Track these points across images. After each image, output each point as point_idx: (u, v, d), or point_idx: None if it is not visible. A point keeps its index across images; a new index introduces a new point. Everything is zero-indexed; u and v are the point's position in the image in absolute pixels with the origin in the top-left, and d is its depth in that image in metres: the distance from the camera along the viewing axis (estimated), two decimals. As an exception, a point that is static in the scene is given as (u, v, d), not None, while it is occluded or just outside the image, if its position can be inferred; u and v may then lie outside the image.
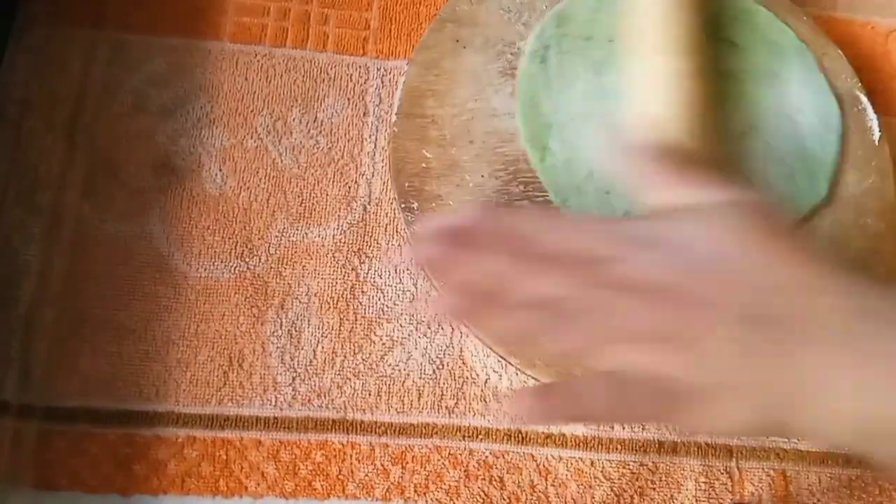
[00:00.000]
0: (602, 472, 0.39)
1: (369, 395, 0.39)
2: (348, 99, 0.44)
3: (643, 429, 0.40)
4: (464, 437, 0.39)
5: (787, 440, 0.40)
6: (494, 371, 0.40)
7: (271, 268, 0.40)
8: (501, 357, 0.37)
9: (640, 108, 0.39)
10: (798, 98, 0.43)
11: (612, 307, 0.29)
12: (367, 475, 0.38)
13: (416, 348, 0.40)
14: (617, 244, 0.30)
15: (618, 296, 0.29)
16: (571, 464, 0.39)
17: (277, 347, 0.39)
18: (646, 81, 0.39)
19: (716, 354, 0.28)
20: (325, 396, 0.39)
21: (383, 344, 0.40)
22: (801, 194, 0.41)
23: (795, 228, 0.31)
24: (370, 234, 0.41)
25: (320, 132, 0.43)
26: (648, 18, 0.39)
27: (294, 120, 0.43)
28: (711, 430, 0.38)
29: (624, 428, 0.39)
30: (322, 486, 0.37)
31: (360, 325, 0.40)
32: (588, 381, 0.30)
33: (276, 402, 0.38)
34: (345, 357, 0.39)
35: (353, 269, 0.41)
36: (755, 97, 0.42)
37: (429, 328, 0.40)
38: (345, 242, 0.41)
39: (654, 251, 0.30)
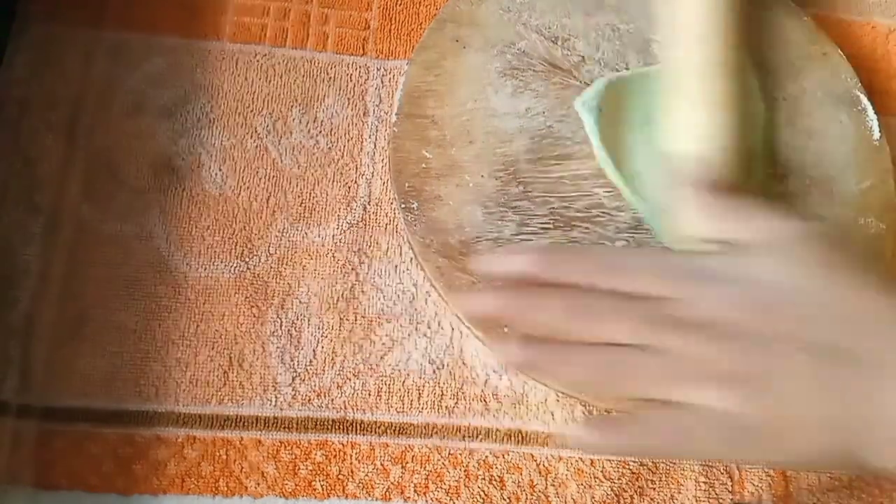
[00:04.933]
0: (602, 471, 0.39)
1: (369, 395, 0.39)
2: (348, 99, 0.44)
3: (643, 429, 0.40)
4: (464, 437, 0.39)
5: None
6: (494, 371, 0.40)
7: (271, 268, 0.40)
8: (501, 357, 0.37)
9: (681, 139, 0.38)
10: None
11: (681, 348, 0.29)
12: (367, 475, 0.38)
13: (416, 348, 0.40)
14: (681, 282, 0.30)
15: (685, 336, 0.29)
16: (571, 463, 0.39)
17: (277, 347, 0.39)
18: (687, 108, 0.39)
19: (789, 391, 0.28)
20: (325, 396, 0.39)
21: (383, 344, 0.40)
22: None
23: (865, 257, 0.31)
24: (370, 235, 0.41)
25: (320, 132, 0.43)
26: (691, 35, 0.39)
27: (294, 120, 0.43)
28: (781, 464, 0.37)
29: (624, 428, 0.39)
30: (322, 485, 0.37)
31: (360, 325, 0.40)
32: (655, 417, 0.30)
33: (276, 401, 0.38)
34: (345, 357, 0.39)
35: (353, 269, 0.41)
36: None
37: (429, 328, 0.40)
38: (345, 242, 0.41)
39: (721, 287, 0.29)
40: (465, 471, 0.38)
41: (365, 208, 0.42)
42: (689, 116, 0.39)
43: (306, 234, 0.41)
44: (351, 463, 0.38)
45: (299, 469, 0.37)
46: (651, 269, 0.31)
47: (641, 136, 0.40)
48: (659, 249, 0.37)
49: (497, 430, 0.39)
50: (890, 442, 0.27)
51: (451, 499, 0.38)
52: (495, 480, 0.38)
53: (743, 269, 0.30)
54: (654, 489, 0.39)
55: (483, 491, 0.38)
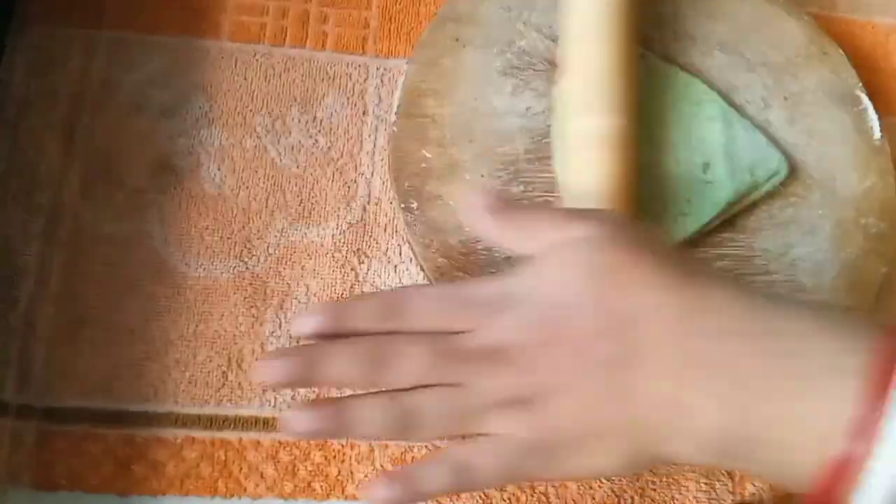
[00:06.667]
0: (602, 472, 0.39)
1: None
2: (348, 98, 0.44)
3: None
4: (464, 437, 0.38)
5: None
6: (494, 371, 0.39)
7: (270, 268, 0.40)
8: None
9: (568, 175, 0.39)
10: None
11: (473, 379, 0.29)
12: (366, 476, 0.38)
13: (415, 348, 0.40)
14: (470, 312, 0.30)
15: (474, 367, 0.29)
16: (571, 464, 0.38)
17: (276, 348, 0.39)
18: (572, 144, 0.38)
19: (575, 405, 0.28)
20: (324, 396, 0.38)
21: (383, 344, 0.39)
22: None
23: (651, 247, 0.30)
24: (370, 234, 0.41)
25: (319, 132, 0.43)
26: (583, 70, 0.39)
27: (293, 119, 0.43)
28: (588, 476, 0.37)
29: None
30: (321, 486, 0.37)
31: (360, 325, 0.40)
32: (439, 458, 0.30)
33: (275, 402, 0.38)
34: (344, 357, 0.39)
35: (352, 269, 0.41)
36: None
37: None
38: (344, 242, 0.41)
39: (508, 311, 0.30)
40: (464, 471, 0.38)
41: (364, 208, 0.42)
42: (578, 89, 0.39)
43: (305, 233, 0.41)
44: (350, 464, 0.38)
45: (298, 470, 0.37)
46: (436, 304, 0.31)
47: None
48: (455, 281, 0.37)
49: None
50: (680, 435, 0.28)
51: (450, 499, 0.38)
52: (495, 481, 0.38)
53: (523, 288, 0.30)
54: (655, 490, 0.39)
55: (483, 491, 0.38)
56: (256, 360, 0.37)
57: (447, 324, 0.30)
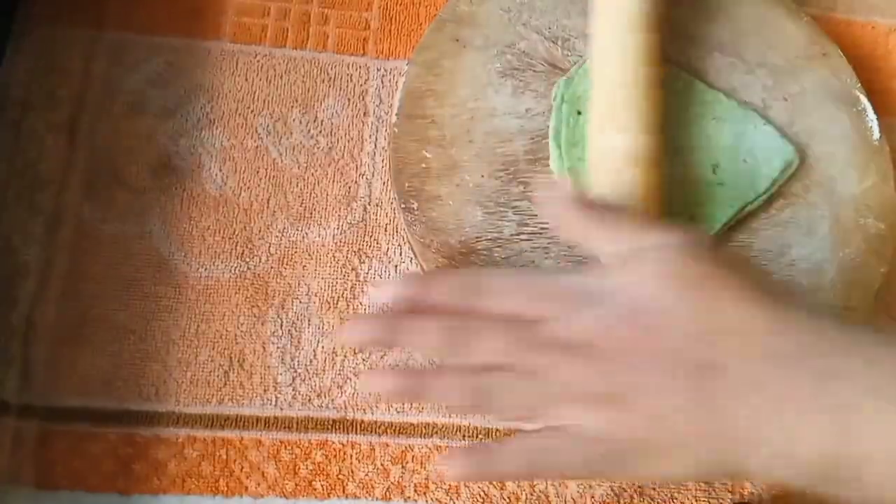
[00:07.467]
0: (602, 471, 0.39)
1: (369, 394, 0.39)
2: (348, 99, 0.44)
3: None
4: (464, 436, 0.39)
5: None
6: (494, 371, 0.40)
7: (272, 268, 0.40)
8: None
9: (598, 189, 0.38)
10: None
11: (552, 370, 0.29)
12: (367, 475, 0.38)
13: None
14: (552, 302, 0.30)
15: (555, 357, 0.29)
16: (571, 464, 0.39)
17: (278, 347, 0.39)
18: (603, 161, 0.38)
19: (658, 410, 0.28)
20: (325, 396, 0.39)
21: (383, 344, 0.40)
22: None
23: (734, 263, 0.31)
24: (370, 234, 0.41)
25: (320, 132, 0.43)
26: (613, 91, 0.38)
27: (294, 120, 0.43)
28: (662, 481, 0.37)
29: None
30: (322, 485, 0.37)
31: (361, 325, 0.40)
32: (517, 440, 0.30)
33: (276, 401, 0.38)
34: (345, 357, 0.39)
35: (353, 269, 0.41)
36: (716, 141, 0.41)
37: (429, 328, 0.40)
38: (345, 242, 0.41)
39: (591, 307, 0.30)
40: (465, 471, 0.38)
41: (365, 208, 0.42)
42: (609, 107, 0.38)
43: (307, 234, 0.41)
44: (351, 463, 0.38)
45: (299, 469, 0.38)
46: (522, 290, 0.31)
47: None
48: (533, 270, 0.37)
49: (497, 429, 0.39)
50: (774, 455, 0.27)
51: (450, 498, 0.38)
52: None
53: (607, 285, 0.30)
54: (655, 489, 0.39)
55: (483, 491, 0.38)
56: (341, 321, 0.39)
57: (525, 311, 0.30)
